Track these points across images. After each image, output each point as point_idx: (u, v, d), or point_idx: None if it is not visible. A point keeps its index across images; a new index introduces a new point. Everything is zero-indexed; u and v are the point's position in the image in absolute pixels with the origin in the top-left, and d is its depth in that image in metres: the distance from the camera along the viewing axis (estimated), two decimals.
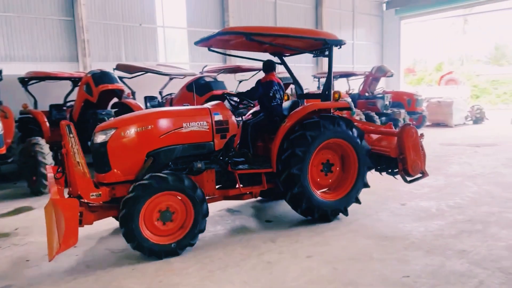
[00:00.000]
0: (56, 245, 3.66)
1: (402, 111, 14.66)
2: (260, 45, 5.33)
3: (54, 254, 3.64)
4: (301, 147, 4.95)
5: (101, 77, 8.11)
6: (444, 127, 17.01)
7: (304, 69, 19.32)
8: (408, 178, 5.64)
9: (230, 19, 16.90)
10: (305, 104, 5.57)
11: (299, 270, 3.88)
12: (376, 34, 24.50)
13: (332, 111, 5.57)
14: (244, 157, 5.25)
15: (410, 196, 6.37)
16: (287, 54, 6.31)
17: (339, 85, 15.15)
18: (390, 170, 5.85)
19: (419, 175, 5.64)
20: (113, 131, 4.35)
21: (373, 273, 3.78)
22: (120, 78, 9.34)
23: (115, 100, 9.30)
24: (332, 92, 5.46)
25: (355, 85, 16.15)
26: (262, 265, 4.02)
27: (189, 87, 9.60)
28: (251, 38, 4.85)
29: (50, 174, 4.79)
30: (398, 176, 5.75)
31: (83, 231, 4.42)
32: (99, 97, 8.09)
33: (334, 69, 5.40)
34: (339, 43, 5.41)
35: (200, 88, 9.41)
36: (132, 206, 4.03)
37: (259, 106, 5.82)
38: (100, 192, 4.23)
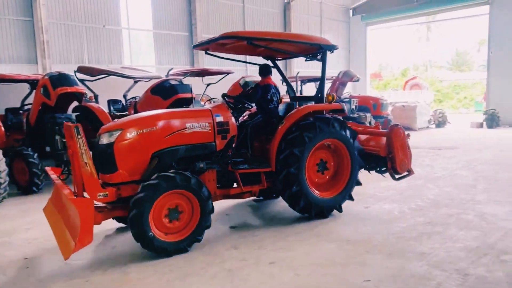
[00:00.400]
0: (71, 244, 3.75)
1: (368, 115, 14.93)
2: (255, 49, 5.46)
3: (70, 253, 3.69)
4: (298, 147, 5.10)
5: (59, 79, 7.78)
6: (409, 130, 17.41)
7: (274, 73, 19.32)
8: (396, 176, 5.91)
9: (198, 22, 16.69)
10: (297, 107, 5.73)
11: (261, 278, 3.80)
12: (343, 40, 24.91)
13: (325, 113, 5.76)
14: (243, 157, 5.34)
15: (374, 199, 6.44)
16: (280, 58, 6.47)
17: (307, 90, 15.24)
18: (378, 169, 6.09)
19: (406, 173, 5.92)
20: (119, 132, 4.42)
21: (335, 278, 3.76)
22: (82, 80, 9.00)
23: (76, 103, 8.95)
24: (325, 95, 5.66)
25: None
26: (223, 274, 3.91)
27: (153, 90, 9.33)
28: (251, 43, 4.96)
29: (53, 176, 4.88)
30: (379, 176, 5.99)
31: (34, 244, 4.18)
32: (57, 101, 7.76)
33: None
34: (333, 48, 5.70)
35: (165, 91, 9.17)
36: (142, 205, 4.09)
37: (256, 108, 5.91)
38: (107, 192, 4.26)
